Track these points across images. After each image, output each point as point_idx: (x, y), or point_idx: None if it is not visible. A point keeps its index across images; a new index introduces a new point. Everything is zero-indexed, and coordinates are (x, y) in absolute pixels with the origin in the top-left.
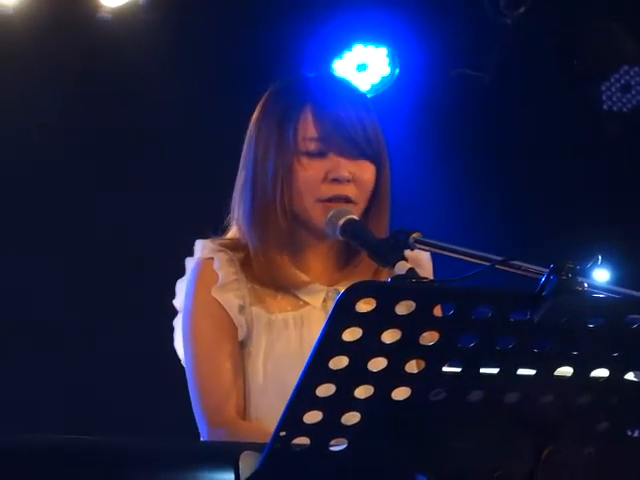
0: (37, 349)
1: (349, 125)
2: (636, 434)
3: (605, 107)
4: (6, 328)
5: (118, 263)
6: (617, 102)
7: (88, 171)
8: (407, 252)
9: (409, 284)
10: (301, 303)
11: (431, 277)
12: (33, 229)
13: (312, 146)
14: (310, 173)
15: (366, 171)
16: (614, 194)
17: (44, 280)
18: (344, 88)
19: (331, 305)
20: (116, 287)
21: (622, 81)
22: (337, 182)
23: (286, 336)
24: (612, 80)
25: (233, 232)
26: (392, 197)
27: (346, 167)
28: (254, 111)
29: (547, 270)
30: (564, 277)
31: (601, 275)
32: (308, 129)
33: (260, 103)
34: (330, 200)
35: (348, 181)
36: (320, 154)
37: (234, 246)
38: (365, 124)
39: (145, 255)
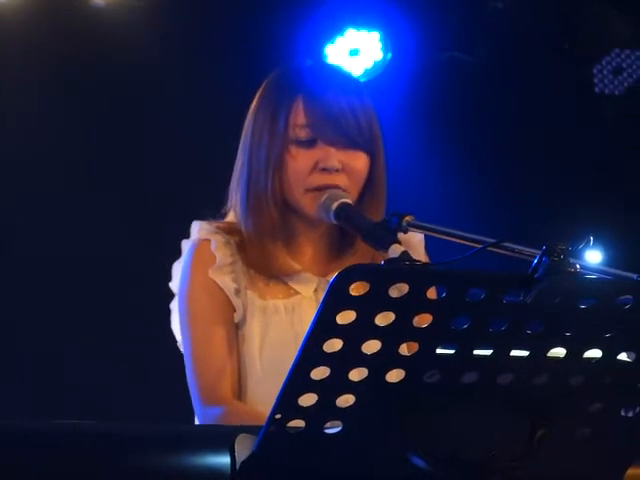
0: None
1: (340, 113)
2: (630, 414)
3: (597, 90)
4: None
5: (113, 247)
6: (609, 85)
7: (82, 158)
8: (400, 235)
9: (402, 267)
10: (292, 292)
11: (424, 259)
12: (32, 220)
13: (302, 133)
14: (299, 163)
15: (358, 160)
16: (606, 176)
17: (43, 267)
18: (337, 76)
19: (322, 295)
20: (108, 273)
21: (614, 64)
22: (326, 172)
23: (277, 322)
24: (604, 63)
25: (230, 218)
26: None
27: (336, 156)
28: (249, 96)
29: (539, 252)
30: (556, 259)
31: (593, 256)
32: (298, 116)
33: (258, 93)
34: (319, 189)
35: (337, 171)
36: (309, 142)
37: (230, 229)
38: (357, 113)
39: (140, 238)
